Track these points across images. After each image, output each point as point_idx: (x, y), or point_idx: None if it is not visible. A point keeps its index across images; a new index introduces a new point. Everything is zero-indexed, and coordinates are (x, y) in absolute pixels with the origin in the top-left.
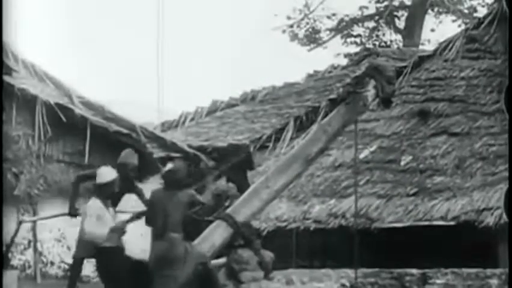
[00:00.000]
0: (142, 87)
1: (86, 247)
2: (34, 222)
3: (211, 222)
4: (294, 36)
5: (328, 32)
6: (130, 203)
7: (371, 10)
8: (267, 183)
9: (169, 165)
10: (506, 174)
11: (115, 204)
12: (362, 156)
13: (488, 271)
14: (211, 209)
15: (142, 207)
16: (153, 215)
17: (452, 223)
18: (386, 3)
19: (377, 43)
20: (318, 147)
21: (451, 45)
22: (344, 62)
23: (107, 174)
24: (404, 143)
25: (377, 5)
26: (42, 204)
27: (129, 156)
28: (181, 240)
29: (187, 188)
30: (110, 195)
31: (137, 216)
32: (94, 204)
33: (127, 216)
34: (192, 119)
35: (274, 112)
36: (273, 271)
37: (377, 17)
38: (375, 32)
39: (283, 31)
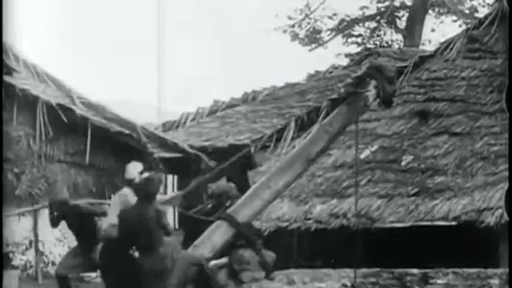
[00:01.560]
0: (142, 88)
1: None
2: None
3: (212, 222)
4: (295, 36)
5: (329, 32)
6: None
7: (372, 10)
8: (268, 183)
9: (146, 174)
10: (507, 174)
11: None
12: (363, 156)
13: (489, 271)
14: (212, 209)
15: None
16: (130, 236)
17: (453, 223)
18: (387, 3)
19: (377, 43)
20: (319, 147)
21: (451, 45)
22: (345, 62)
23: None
24: (405, 143)
25: (378, 5)
26: (43, 204)
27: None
28: (167, 252)
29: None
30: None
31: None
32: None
33: None
34: (193, 119)
35: (275, 112)
36: (274, 271)
37: (378, 17)
38: (376, 32)
39: (284, 31)
